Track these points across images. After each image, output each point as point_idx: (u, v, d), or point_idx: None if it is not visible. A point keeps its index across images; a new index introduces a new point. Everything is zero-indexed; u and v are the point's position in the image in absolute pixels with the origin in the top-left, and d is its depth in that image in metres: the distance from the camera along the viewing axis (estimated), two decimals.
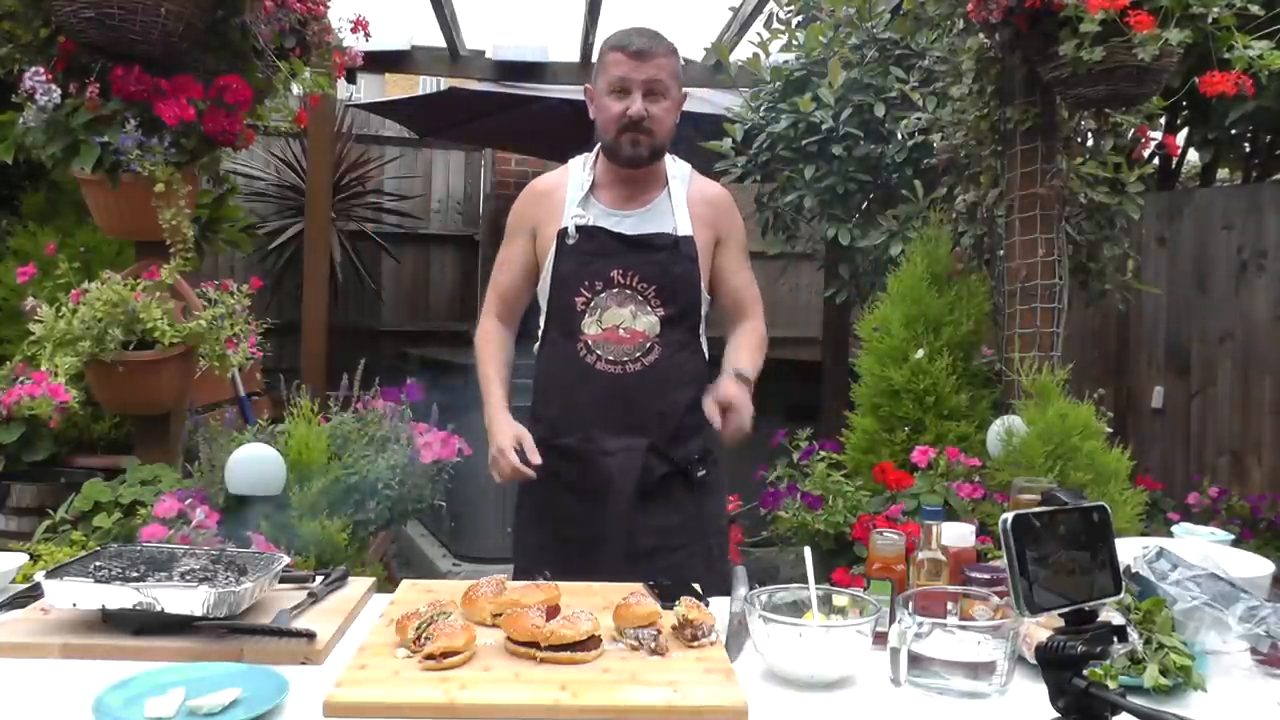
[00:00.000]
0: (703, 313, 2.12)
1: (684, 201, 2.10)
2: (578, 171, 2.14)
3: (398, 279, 6.74)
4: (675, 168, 2.15)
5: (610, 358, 2.03)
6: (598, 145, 2.11)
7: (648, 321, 2.03)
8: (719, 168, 4.20)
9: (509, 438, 2.05)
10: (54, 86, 2.40)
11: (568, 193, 2.11)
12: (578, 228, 2.06)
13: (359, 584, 1.72)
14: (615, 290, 2.03)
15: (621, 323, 2.03)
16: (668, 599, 1.55)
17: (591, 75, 2.12)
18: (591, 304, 2.04)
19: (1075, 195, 3.06)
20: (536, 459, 2.01)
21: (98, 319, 2.37)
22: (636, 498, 2.01)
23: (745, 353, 2.11)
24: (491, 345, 2.18)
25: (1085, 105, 2.80)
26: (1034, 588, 1.05)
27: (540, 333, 2.14)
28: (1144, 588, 1.46)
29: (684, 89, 2.10)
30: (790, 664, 1.36)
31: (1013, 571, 1.05)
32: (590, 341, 2.03)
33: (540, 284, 2.12)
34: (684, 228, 2.07)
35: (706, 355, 2.15)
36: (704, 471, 2.09)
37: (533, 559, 2.01)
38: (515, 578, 1.84)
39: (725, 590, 1.55)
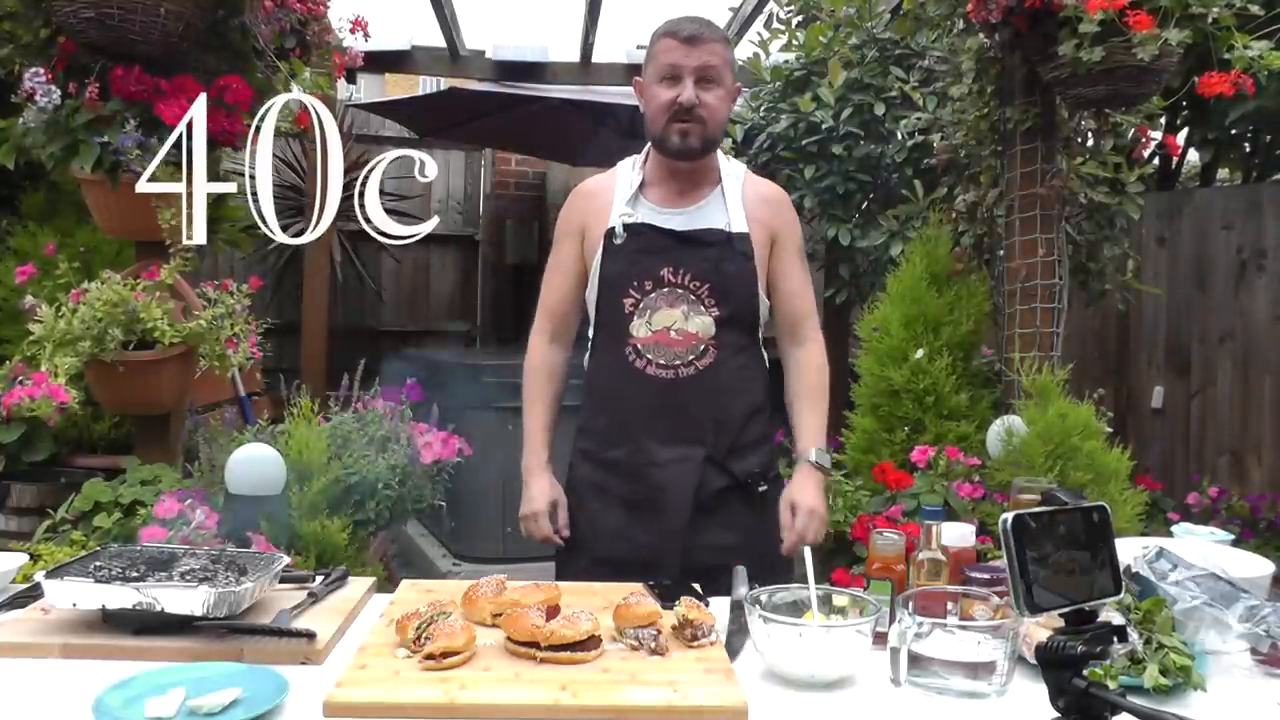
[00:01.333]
0: (761, 315, 2.01)
1: (739, 199, 2.00)
2: (626, 172, 2.06)
3: (398, 279, 6.75)
4: (729, 166, 2.06)
5: (661, 361, 1.92)
6: (647, 145, 2.04)
7: (701, 323, 1.92)
8: None
9: (544, 501, 2.00)
10: (54, 87, 2.40)
11: (615, 193, 2.02)
12: (625, 226, 1.96)
13: (359, 584, 1.72)
14: (666, 290, 1.92)
15: (673, 324, 1.92)
16: (668, 599, 1.55)
17: (641, 68, 2.03)
18: (641, 305, 1.93)
19: (1075, 195, 3.06)
20: (567, 532, 1.99)
21: (98, 319, 2.37)
22: (693, 513, 1.90)
23: (814, 419, 2.00)
24: (538, 381, 2.08)
25: (1085, 105, 2.80)
26: (1034, 588, 1.05)
27: (590, 341, 2.06)
28: (1144, 588, 1.46)
29: (738, 82, 2.02)
30: (790, 664, 1.36)
31: (1013, 571, 1.05)
32: (640, 345, 1.93)
33: (588, 289, 2.03)
34: (738, 224, 1.97)
35: (767, 360, 2.04)
36: (765, 487, 1.98)
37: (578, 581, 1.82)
38: None
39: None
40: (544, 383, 2.08)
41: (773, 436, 2.08)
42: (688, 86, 1.91)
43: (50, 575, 1.43)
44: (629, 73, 4.76)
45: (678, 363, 1.92)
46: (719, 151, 2.05)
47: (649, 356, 1.93)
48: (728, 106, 1.98)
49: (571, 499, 2.04)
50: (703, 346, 1.92)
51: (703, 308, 1.92)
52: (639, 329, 1.93)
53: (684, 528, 1.90)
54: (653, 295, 1.93)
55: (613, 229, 1.97)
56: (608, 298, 1.98)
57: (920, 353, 2.84)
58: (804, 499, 1.92)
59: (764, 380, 2.03)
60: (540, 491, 2.01)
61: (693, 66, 1.91)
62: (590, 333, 2.06)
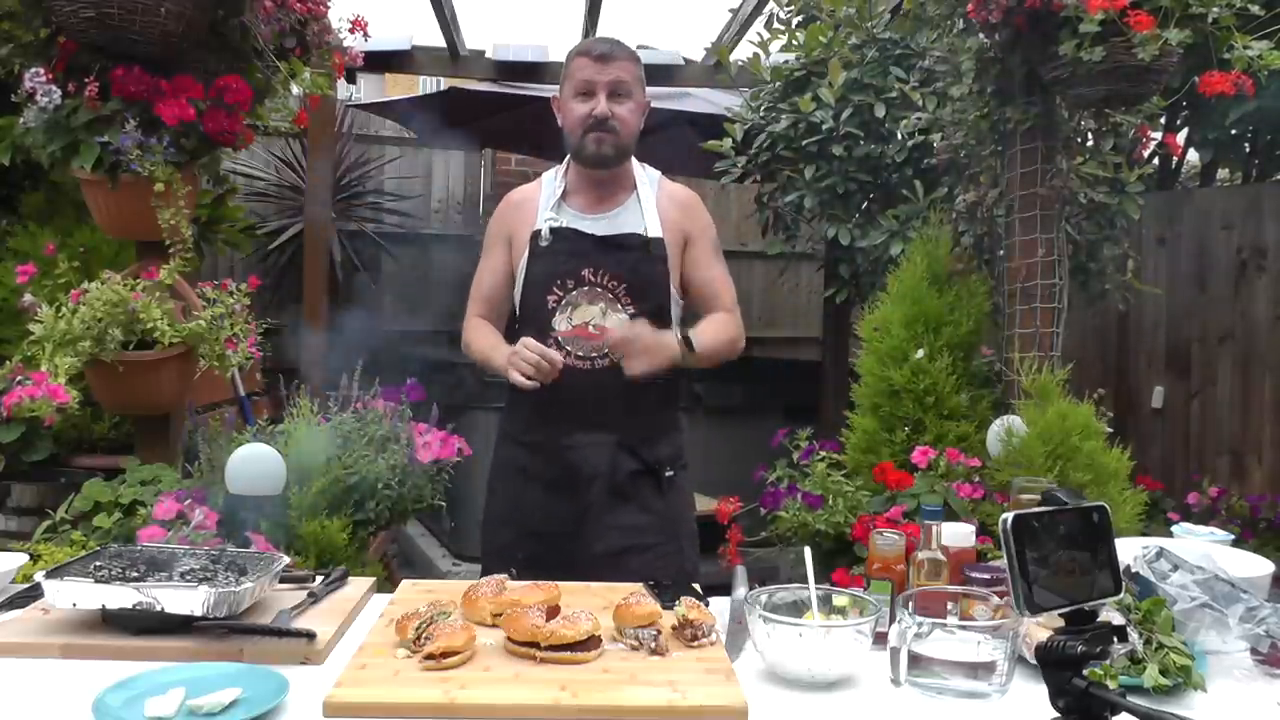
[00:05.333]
0: (674, 314, 2.16)
1: (653, 205, 2.17)
2: (550, 181, 2.22)
3: (398, 279, 6.74)
4: (644, 174, 2.22)
5: (580, 353, 2.07)
6: (567, 157, 2.19)
7: (617, 319, 2.07)
8: (719, 168, 4.20)
9: (517, 345, 2.01)
10: (54, 87, 2.40)
11: (540, 201, 2.19)
12: (550, 229, 2.12)
13: (359, 584, 1.72)
14: (586, 288, 2.08)
15: (591, 319, 2.08)
16: (668, 599, 1.55)
17: (559, 86, 2.20)
18: (563, 301, 2.09)
19: (1075, 195, 3.06)
20: (558, 358, 1.98)
21: (98, 319, 2.37)
22: (605, 494, 2.07)
23: (706, 327, 2.15)
24: (483, 328, 2.22)
25: (1085, 105, 2.80)
26: (1034, 588, 1.05)
27: (517, 332, 2.17)
28: (1144, 588, 1.46)
29: (648, 97, 2.19)
30: (790, 664, 1.36)
31: (1013, 571, 1.06)
32: (560, 337, 2.08)
33: (515, 289, 2.18)
34: (654, 229, 2.14)
35: None
36: (672, 472, 2.15)
37: (501, 556, 2.06)
38: (483, 575, 1.83)
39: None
40: (488, 330, 2.22)
41: (682, 426, 2.25)
42: (601, 101, 2.09)
43: (50, 575, 1.43)
44: None
45: (594, 355, 2.07)
46: (634, 160, 2.21)
47: (569, 348, 2.07)
48: (638, 119, 2.16)
49: (496, 476, 2.21)
50: None
51: (619, 305, 2.09)
52: (560, 323, 2.09)
53: (597, 506, 2.07)
54: (574, 293, 2.09)
55: (538, 232, 2.14)
56: (532, 295, 2.13)
57: (920, 353, 2.83)
58: (645, 330, 2.00)
59: (673, 372, 2.12)
60: (511, 346, 2.05)
61: (605, 82, 2.09)
62: (516, 327, 2.19)
